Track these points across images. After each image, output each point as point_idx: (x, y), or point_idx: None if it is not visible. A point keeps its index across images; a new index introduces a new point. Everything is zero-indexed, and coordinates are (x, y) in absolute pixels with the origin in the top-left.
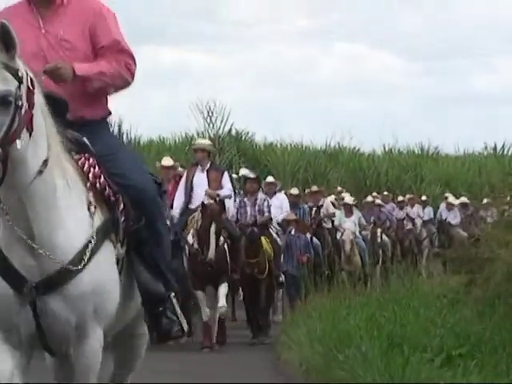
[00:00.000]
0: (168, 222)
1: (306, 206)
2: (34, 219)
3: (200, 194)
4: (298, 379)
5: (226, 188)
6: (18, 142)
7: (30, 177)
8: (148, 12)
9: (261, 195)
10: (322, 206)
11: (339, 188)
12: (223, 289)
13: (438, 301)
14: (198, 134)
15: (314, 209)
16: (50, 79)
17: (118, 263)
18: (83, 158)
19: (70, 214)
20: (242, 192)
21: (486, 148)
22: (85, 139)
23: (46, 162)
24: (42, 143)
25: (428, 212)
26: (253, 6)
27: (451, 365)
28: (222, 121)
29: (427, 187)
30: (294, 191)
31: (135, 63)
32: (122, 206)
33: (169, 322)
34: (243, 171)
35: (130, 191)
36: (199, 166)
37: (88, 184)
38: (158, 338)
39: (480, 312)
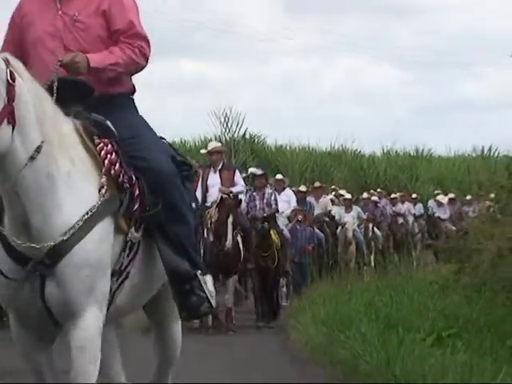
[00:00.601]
0: (193, 205)
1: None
2: (28, 206)
3: (214, 193)
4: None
5: (239, 185)
6: None
7: (19, 166)
8: (173, 28)
9: (268, 190)
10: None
11: (333, 186)
12: (232, 281)
13: (430, 287)
14: (215, 138)
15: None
16: (67, 72)
17: (132, 247)
18: (102, 144)
19: (70, 199)
20: (251, 188)
21: (474, 150)
22: (108, 123)
23: (39, 148)
24: (32, 132)
25: (418, 208)
26: (265, 23)
27: (441, 344)
28: (237, 125)
29: (421, 185)
30: (302, 188)
31: (149, 46)
32: (137, 191)
33: (198, 299)
34: (251, 169)
35: (149, 174)
36: (212, 168)
37: (103, 169)
38: (187, 316)
39: (468, 297)
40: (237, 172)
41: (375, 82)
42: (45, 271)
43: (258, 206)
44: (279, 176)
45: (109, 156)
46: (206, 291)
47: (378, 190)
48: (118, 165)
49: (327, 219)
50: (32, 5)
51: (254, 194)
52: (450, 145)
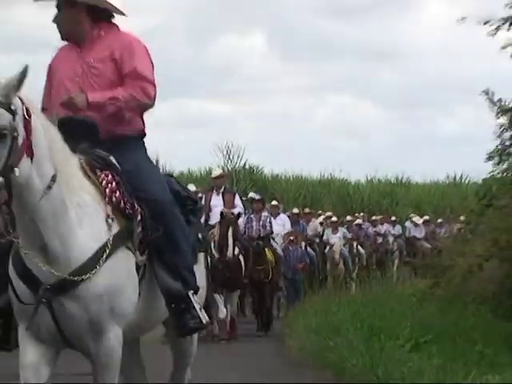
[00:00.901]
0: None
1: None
2: (46, 232)
3: (217, 213)
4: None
5: (239, 207)
6: (16, 170)
7: (37, 195)
8: (183, 72)
9: (264, 213)
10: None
11: (319, 211)
12: (235, 295)
13: (409, 299)
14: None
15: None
16: (67, 109)
17: (138, 269)
18: (103, 175)
19: (82, 226)
20: (249, 211)
21: (447, 178)
22: (111, 158)
23: (54, 177)
24: (46, 163)
25: (397, 229)
26: (263, 68)
27: (418, 350)
28: (238, 157)
29: (401, 209)
30: (295, 211)
31: (154, 86)
32: (139, 217)
33: (190, 317)
34: (251, 194)
35: (150, 204)
36: (215, 191)
37: (106, 198)
38: (180, 333)
39: (442, 308)
40: (237, 195)
41: (360, 118)
42: (53, 297)
43: (254, 228)
44: (274, 202)
45: (109, 185)
46: (197, 309)
47: (361, 214)
48: (118, 192)
49: (317, 240)
50: (62, 52)
51: (252, 216)
52: (425, 173)
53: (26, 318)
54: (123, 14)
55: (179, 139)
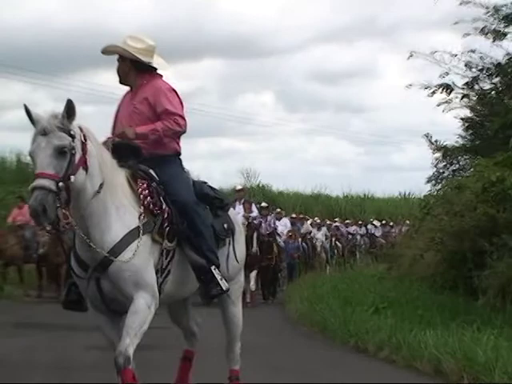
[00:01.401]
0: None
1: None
2: (90, 225)
3: (239, 219)
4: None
5: (254, 212)
6: (72, 177)
7: (88, 198)
8: (217, 118)
9: (269, 217)
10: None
11: (307, 216)
12: (254, 273)
13: (371, 278)
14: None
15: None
16: (119, 138)
17: (168, 253)
18: (141, 184)
19: (117, 223)
20: (260, 216)
21: (399, 194)
22: (151, 171)
23: (101, 186)
24: (97, 175)
25: (363, 230)
26: (273, 115)
27: (378, 313)
28: (254, 178)
29: (366, 216)
30: (293, 215)
31: (183, 119)
32: (166, 215)
33: (213, 285)
34: (262, 204)
35: (178, 204)
36: (237, 201)
37: (141, 201)
38: (206, 298)
39: (395, 284)
40: (253, 204)
41: (339, 152)
42: (99, 275)
43: (263, 226)
44: (279, 210)
45: (144, 192)
46: (219, 279)
47: (338, 218)
48: (149, 198)
49: (308, 236)
50: (124, 96)
51: (261, 219)
52: (384, 191)
53: (83, 290)
54: (159, 69)
55: (214, 165)
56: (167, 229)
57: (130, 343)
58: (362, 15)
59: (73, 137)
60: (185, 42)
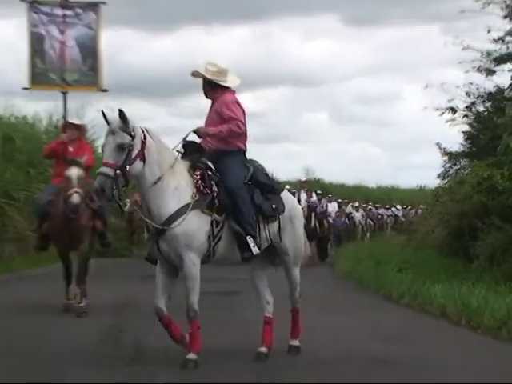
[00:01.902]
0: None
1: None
2: (150, 203)
3: (303, 203)
4: (344, 279)
5: (314, 198)
6: (128, 167)
7: (148, 184)
8: (284, 127)
9: (323, 200)
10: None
11: (349, 201)
12: (313, 243)
13: (396, 246)
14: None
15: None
16: (197, 135)
17: (218, 224)
18: (198, 171)
19: (173, 198)
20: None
21: (418, 186)
22: (208, 162)
23: (159, 179)
24: (155, 167)
25: (389, 212)
26: (327, 128)
27: (401, 271)
28: (312, 174)
29: (393, 202)
30: (340, 200)
31: (243, 123)
32: (215, 194)
33: (246, 250)
34: (318, 191)
35: (226, 189)
36: (302, 190)
37: (195, 185)
38: (241, 259)
39: (413, 251)
40: (313, 192)
41: (374, 155)
42: (158, 238)
43: (318, 208)
44: (330, 195)
45: (198, 177)
46: (251, 246)
47: (370, 203)
48: (201, 182)
49: (350, 215)
50: (209, 107)
51: (317, 202)
52: (406, 184)
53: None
54: (229, 84)
55: (284, 164)
56: (216, 205)
57: (193, 300)
58: (389, 55)
59: (132, 137)
60: (265, 73)
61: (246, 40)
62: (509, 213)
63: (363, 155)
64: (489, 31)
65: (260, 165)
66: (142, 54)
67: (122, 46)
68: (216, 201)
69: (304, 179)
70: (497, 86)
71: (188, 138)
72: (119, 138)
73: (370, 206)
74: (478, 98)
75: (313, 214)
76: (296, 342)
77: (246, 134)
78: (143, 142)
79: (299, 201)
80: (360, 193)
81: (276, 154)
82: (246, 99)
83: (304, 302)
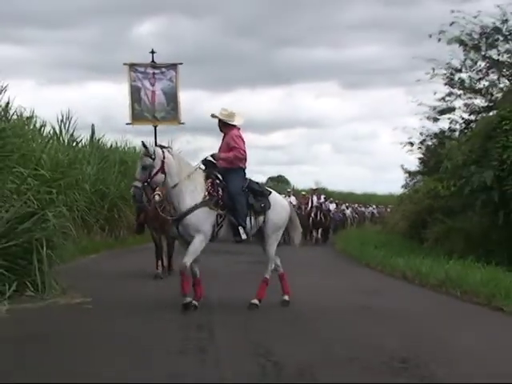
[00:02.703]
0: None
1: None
2: (173, 200)
3: (314, 202)
4: (340, 254)
5: (322, 200)
6: (149, 180)
7: (169, 188)
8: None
9: (327, 202)
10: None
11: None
12: (320, 230)
13: (373, 233)
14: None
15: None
16: (213, 158)
17: (221, 216)
18: (210, 180)
19: (189, 198)
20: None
21: (389, 193)
22: (217, 173)
23: (177, 184)
24: (174, 177)
25: (369, 209)
26: (324, 155)
27: (378, 249)
28: (320, 184)
29: (371, 203)
30: (337, 201)
31: (244, 151)
32: (220, 196)
33: (237, 236)
34: (322, 195)
35: (228, 193)
36: (313, 194)
37: (206, 189)
38: (235, 241)
39: (385, 236)
40: (321, 196)
41: (357, 175)
42: (177, 223)
43: (323, 206)
44: (331, 198)
45: (209, 184)
46: (241, 233)
47: (356, 203)
48: (211, 187)
49: (343, 212)
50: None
51: (322, 203)
52: (381, 191)
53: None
54: (236, 123)
55: (299, 178)
56: (220, 204)
57: (187, 260)
58: (372, 108)
59: (153, 158)
60: (289, 119)
61: (278, 97)
62: (447, 211)
63: (354, 173)
64: (435, 93)
65: (253, 180)
66: (208, 106)
67: (195, 100)
68: (220, 201)
69: (315, 187)
70: (440, 128)
71: (208, 159)
72: (143, 161)
73: (356, 205)
74: (427, 136)
75: (320, 211)
76: (286, 297)
77: (246, 158)
78: (162, 161)
79: (312, 202)
80: (350, 197)
81: (296, 172)
82: (277, 136)
83: (313, 268)
